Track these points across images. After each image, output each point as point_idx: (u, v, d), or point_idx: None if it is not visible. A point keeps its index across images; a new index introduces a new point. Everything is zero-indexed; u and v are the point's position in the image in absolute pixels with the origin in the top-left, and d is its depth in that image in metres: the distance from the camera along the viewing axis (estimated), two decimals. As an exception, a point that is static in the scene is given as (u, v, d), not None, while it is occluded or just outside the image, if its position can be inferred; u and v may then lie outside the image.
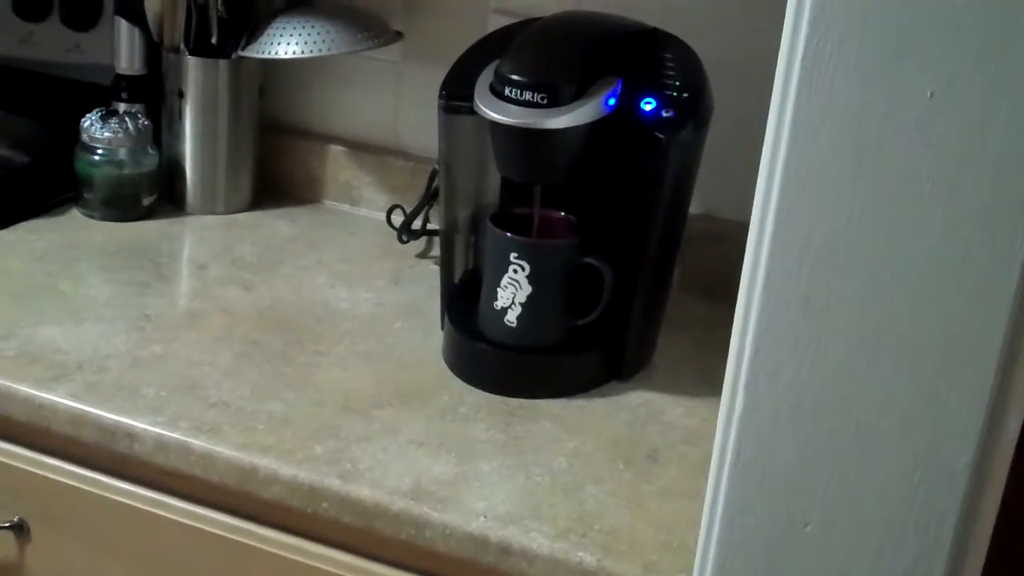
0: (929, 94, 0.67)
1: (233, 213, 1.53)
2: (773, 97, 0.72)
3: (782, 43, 0.70)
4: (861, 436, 0.75)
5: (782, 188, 0.72)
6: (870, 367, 0.73)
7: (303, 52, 1.42)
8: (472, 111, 1.16)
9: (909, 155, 0.69)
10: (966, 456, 0.73)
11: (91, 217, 1.47)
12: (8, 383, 1.13)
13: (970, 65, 0.66)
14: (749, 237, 0.76)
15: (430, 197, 1.47)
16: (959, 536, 0.74)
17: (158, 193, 1.50)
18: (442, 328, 1.26)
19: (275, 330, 1.26)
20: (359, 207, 1.57)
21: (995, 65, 0.65)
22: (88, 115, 1.46)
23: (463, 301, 1.25)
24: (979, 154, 0.67)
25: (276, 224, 1.52)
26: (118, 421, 1.09)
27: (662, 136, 1.14)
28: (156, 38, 1.49)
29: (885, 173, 0.70)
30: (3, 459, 1.16)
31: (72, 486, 1.14)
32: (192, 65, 1.47)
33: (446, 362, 1.22)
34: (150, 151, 1.48)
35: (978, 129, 0.67)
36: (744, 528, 0.80)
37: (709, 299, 1.37)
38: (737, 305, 0.77)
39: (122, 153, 1.46)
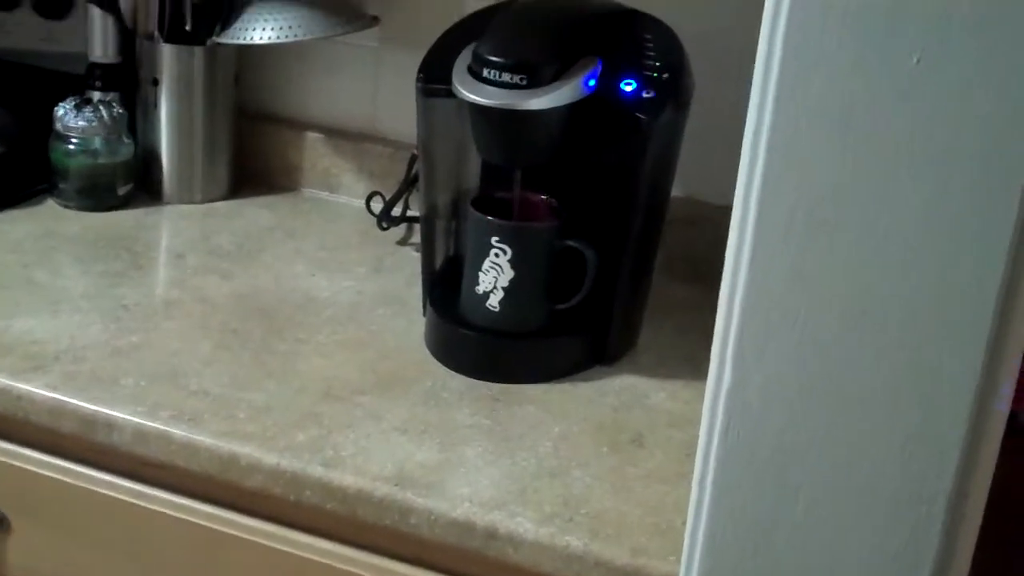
0: (916, 60, 0.66)
1: (210, 202, 1.52)
2: (757, 64, 0.71)
3: (765, 9, 0.69)
4: (851, 411, 0.74)
5: (767, 157, 0.71)
6: (859, 340, 0.73)
7: (278, 37, 1.40)
8: (450, 94, 1.15)
9: (896, 121, 0.68)
10: (958, 431, 0.72)
11: (66, 207, 1.45)
12: (-16, 374, 1.11)
13: (961, 26, 0.65)
14: (734, 209, 0.75)
15: (410, 183, 1.46)
16: (952, 512, 0.73)
17: (134, 182, 1.49)
18: (424, 314, 1.25)
19: (255, 319, 1.25)
20: (338, 194, 1.56)
21: (987, 29, 0.65)
22: (62, 104, 1.44)
23: (445, 287, 1.24)
24: (968, 120, 0.66)
25: (254, 212, 1.51)
26: (97, 411, 1.08)
27: (643, 117, 1.13)
28: (130, 25, 1.48)
29: (872, 141, 0.69)
30: (-20, 452, 1.15)
31: (52, 478, 1.13)
32: (166, 52, 1.46)
33: (428, 348, 1.21)
34: (125, 140, 1.47)
35: (967, 95, 0.66)
36: (733, 506, 0.79)
37: (692, 283, 1.36)
38: (723, 278, 0.76)
39: (97, 142, 1.44)
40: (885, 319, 0.72)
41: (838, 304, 0.73)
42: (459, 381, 1.16)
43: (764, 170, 0.71)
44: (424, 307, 1.25)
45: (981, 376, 0.70)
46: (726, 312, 0.76)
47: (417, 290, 1.28)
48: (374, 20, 1.46)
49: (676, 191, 1.24)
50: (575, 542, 0.96)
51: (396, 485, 1.01)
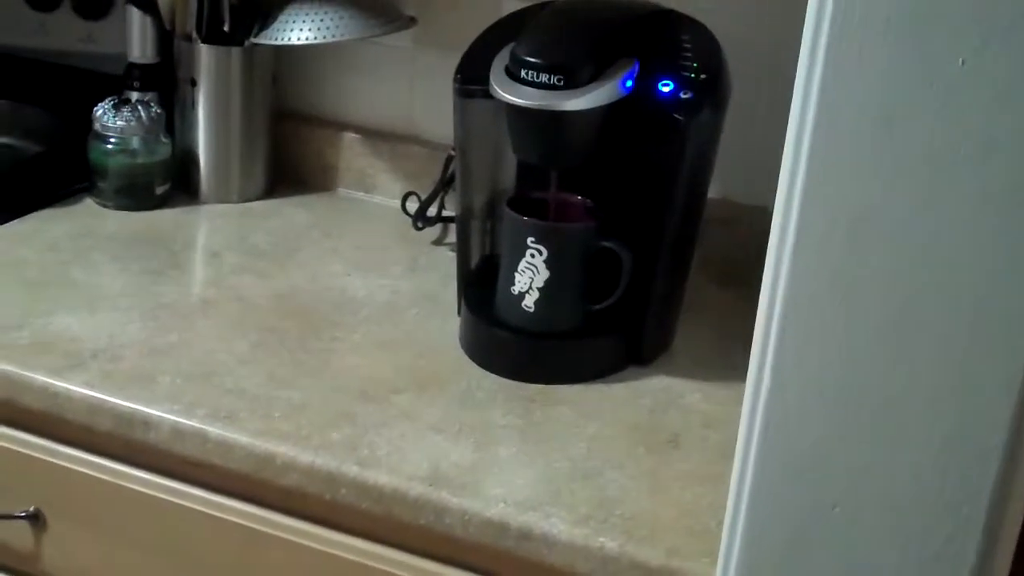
0: (960, 62, 0.66)
1: (247, 201, 1.52)
2: (799, 71, 0.70)
3: (807, 14, 0.69)
4: (890, 416, 0.74)
5: (809, 164, 0.71)
6: (899, 346, 0.72)
7: (316, 38, 1.41)
8: (488, 94, 1.15)
9: (939, 126, 0.68)
10: (998, 436, 0.71)
11: (105, 206, 1.46)
12: (23, 372, 1.12)
13: (1003, 31, 0.64)
14: (775, 214, 0.74)
15: (445, 183, 1.46)
16: (991, 517, 0.73)
17: (172, 182, 1.49)
18: (459, 314, 1.25)
19: (291, 317, 1.25)
20: (374, 194, 1.56)
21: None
22: (101, 104, 1.45)
23: (480, 287, 1.24)
24: (1013, 125, 0.66)
25: (291, 212, 1.51)
26: (134, 409, 1.08)
27: (680, 118, 1.13)
28: (168, 26, 1.48)
29: (914, 146, 0.68)
30: (19, 448, 1.16)
31: (88, 475, 1.13)
32: (204, 53, 1.46)
33: (463, 348, 1.21)
34: (163, 140, 1.47)
35: (1010, 98, 0.65)
36: (771, 510, 0.79)
37: (727, 284, 1.36)
38: (763, 284, 0.76)
39: (135, 142, 1.45)
40: (926, 325, 0.71)
41: (879, 310, 0.72)
42: (493, 381, 1.16)
43: (806, 177, 0.71)
44: (459, 307, 1.25)
45: (1022, 381, 0.70)
46: (765, 318, 0.76)
47: (452, 290, 1.28)
48: (411, 21, 1.46)
49: (712, 192, 1.23)
50: (610, 543, 0.96)
51: (431, 485, 1.01)
